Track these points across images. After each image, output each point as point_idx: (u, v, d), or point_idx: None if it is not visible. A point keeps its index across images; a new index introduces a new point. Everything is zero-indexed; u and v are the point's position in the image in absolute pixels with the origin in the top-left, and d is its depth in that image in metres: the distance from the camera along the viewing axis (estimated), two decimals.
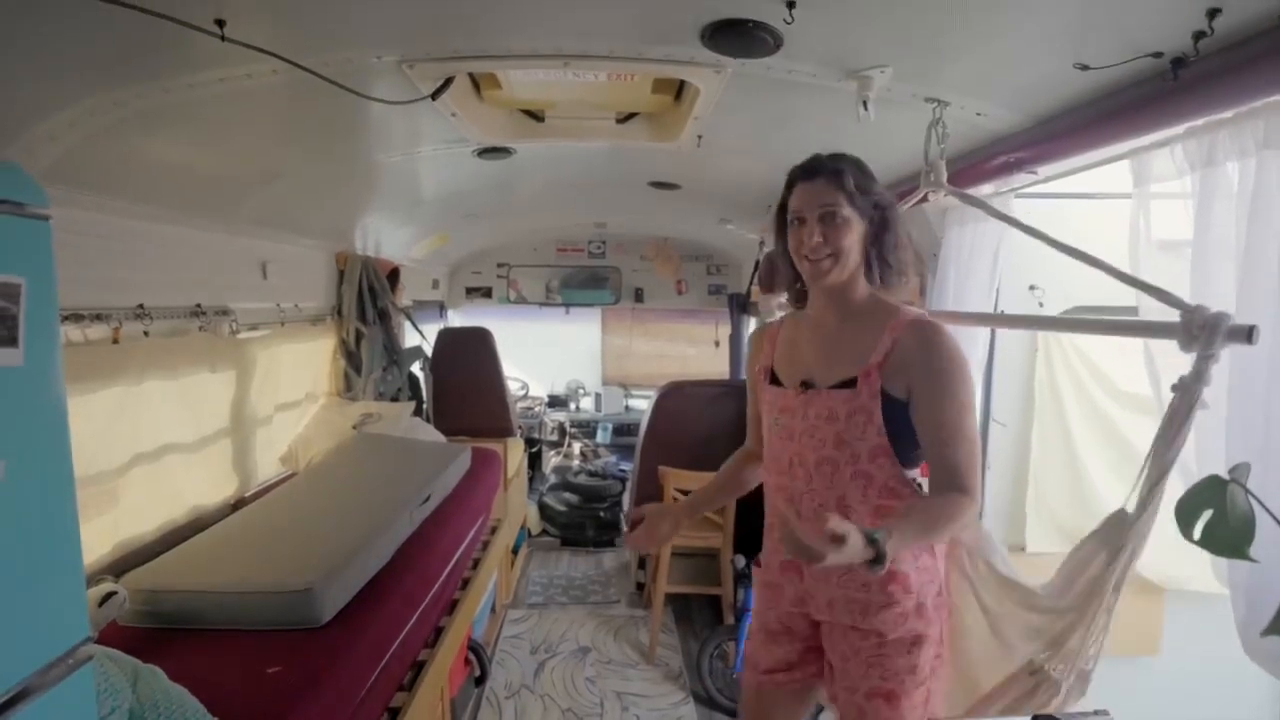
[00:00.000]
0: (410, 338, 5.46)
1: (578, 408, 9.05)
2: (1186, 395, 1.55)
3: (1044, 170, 2.39)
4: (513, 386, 7.00)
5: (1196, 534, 1.25)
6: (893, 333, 1.96)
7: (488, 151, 3.43)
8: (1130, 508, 1.66)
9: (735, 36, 1.97)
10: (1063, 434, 3.25)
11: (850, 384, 1.97)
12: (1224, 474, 1.26)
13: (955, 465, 1.89)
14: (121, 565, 2.54)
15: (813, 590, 2.08)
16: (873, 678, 2.00)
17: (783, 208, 2.06)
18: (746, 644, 2.36)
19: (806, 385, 2.05)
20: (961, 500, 1.87)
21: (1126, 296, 2.09)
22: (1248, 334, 1.47)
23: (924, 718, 2.01)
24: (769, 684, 2.24)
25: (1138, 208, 2.02)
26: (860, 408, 1.95)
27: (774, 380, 2.15)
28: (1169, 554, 3.06)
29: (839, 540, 1.53)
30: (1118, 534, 1.67)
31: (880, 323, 1.99)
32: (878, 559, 1.59)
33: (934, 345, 1.94)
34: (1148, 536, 1.64)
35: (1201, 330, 1.48)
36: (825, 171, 1.97)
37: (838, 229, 1.94)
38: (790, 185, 2.04)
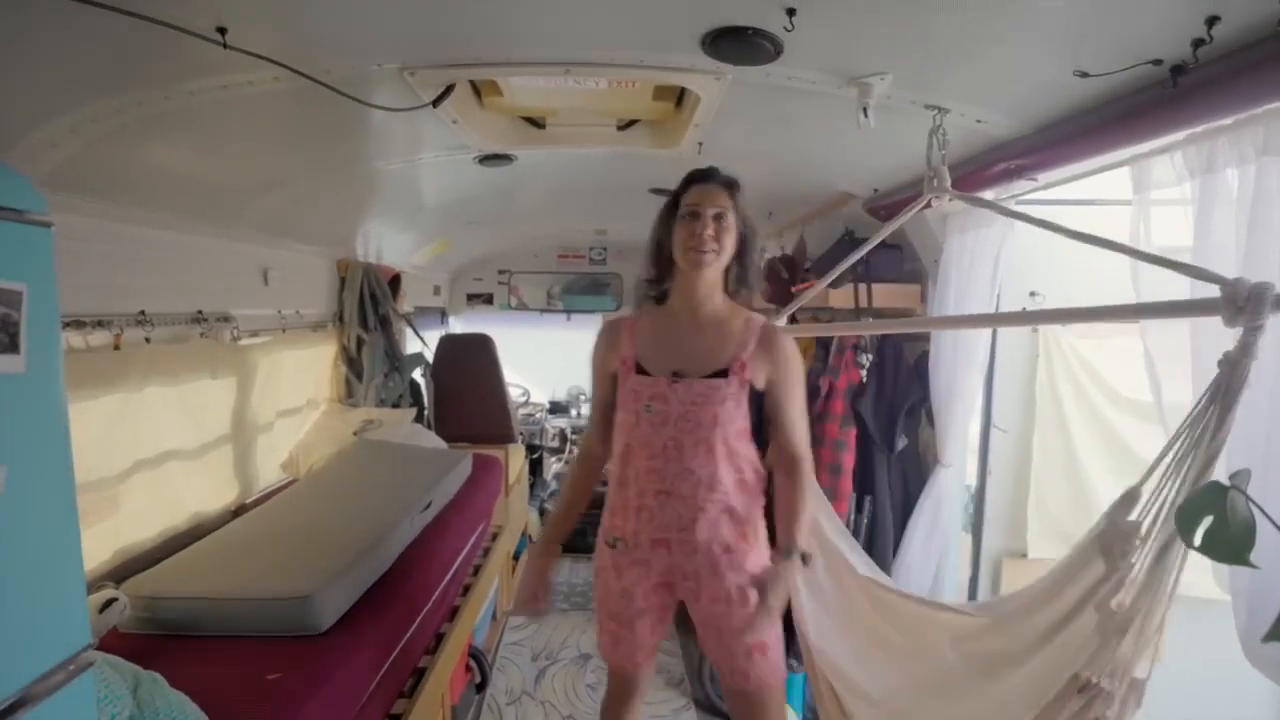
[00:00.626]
0: (411, 344, 5.46)
1: (579, 414, 9.03)
2: (1236, 371, 1.44)
3: (1044, 177, 2.40)
4: (514, 393, 7.00)
5: (1197, 540, 1.25)
6: (755, 333, 2.29)
7: (489, 158, 3.43)
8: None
9: (736, 44, 1.97)
10: (1064, 440, 3.25)
11: (722, 374, 2.24)
12: (1225, 480, 1.26)
13: (802, 441, 2.37)
14: (122, 571, 2.53)
15: (680, 561, 2.29)
16: (752, 630, 2.25)
17: (673, 204, 2.32)
18: (608, 631, 2.46)
19: (678, 375, 2.26)
20: (808, 467, 2.36)
21: (1130, 298, 2.09)
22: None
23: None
24: (646, 664, 2.52)
25: (1138, 214, 2.02)
26: (731, 395, 2.24)
27: (640, 370, 2.31)
28: None
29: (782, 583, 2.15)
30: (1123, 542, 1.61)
31: (742, 323, 2.32)
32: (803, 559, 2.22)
33: (788, 347, 2.32)
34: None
35: (1248, 301, 1.43)
36: (721, 180, 2.30)
37: (724, 230, 2.25)
38: (687, 184, 2.31)
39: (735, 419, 2.26)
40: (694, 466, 2.23)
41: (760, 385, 2.29)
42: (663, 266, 2.38)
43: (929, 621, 2.26)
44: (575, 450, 8.16)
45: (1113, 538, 1.57)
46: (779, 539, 2.26)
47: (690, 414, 2.23)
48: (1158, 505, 1.49)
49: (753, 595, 2.20)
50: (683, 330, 2.33)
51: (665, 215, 2.35)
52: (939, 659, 2.14)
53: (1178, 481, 1.45)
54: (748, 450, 2.33)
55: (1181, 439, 1.47)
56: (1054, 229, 2.06)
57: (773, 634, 2.28)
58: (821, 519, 2.53)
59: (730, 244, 2.27)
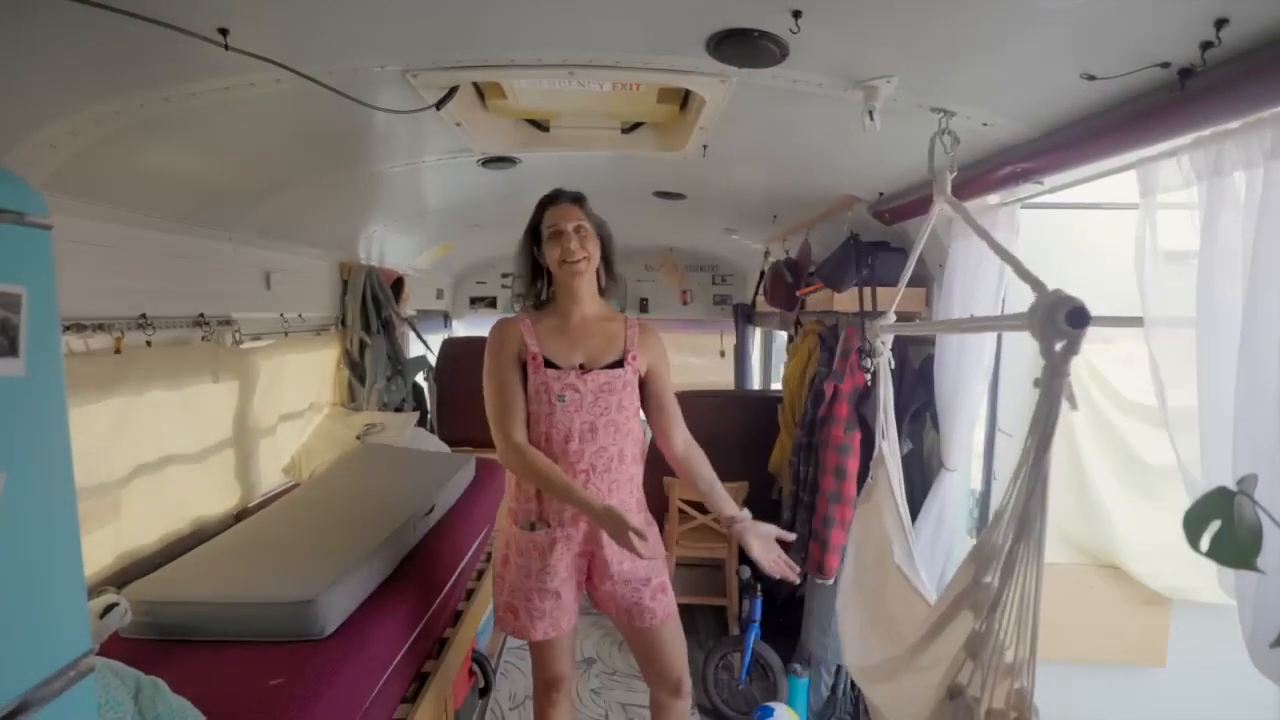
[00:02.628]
0: (414, 348, 5.46)
1: None
2: (1047, 395, 1.48)
3: (1050, 180, 2.38)
4: None
5: (1204, 545, 1.24)
6: (631, 328, 2.73)
7: (492, 161, 3.43)
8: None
9: (741, 46, 1.96)
10: (1068, 444, 3.23)
11: (618, 365, 2.64)
12: (1232, 485, 1.25)
13: (681, 419, 2.78)
14: (123, 576, 2.53)
15: (595, 530, 2.60)
16: (654, 576, 2.72)
17: (534, 229, 2.68)
18: (529, 610, 2.65)
19: (584, 367, 2.61)
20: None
21: (1134, 307, 2.09)
22: (1074, 318, 1.40)
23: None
24: (572, 631, 2.78)
25: (1144, 218, 2.01)
26: (627, 382, 2.64)
27: (549, 365, 2.60)
28: (1172, 563, 3.08)
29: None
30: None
31: (621, 321, 2.75)
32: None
33: (658, 337, 2.80)
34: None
35: (1044, 316, 1.42)
36: (570, 198, 2.66)
37: (586, 239, 2.61)
38: (542, 209, 2.67)
39: (632, 402, 2.67)
40: (607, 444, 2.59)
41: (643, 372, 2.71)
42: (538, 279, 2.73)
43: (917, 612, 2.26)
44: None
45: (980, 553, 1.58)
46: (725, 509, 2.68)
47: (600, 400, 2.58)
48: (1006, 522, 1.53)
49: (649, 542, 2.41)
50: (574, 329, 2.67)
51: (529, 239, 2.70)
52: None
53: (1018, 499, 1.53)
54: (639, 430, 2.72)
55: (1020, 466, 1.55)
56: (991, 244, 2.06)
57: (666, 576, 2.77)
58: (886, 513, 2.65)
59: (594, 249, 2.64)
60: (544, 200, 2.68)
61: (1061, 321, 1.42)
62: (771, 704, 3.81)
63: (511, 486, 2.74)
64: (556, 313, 2.70)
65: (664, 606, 2.73)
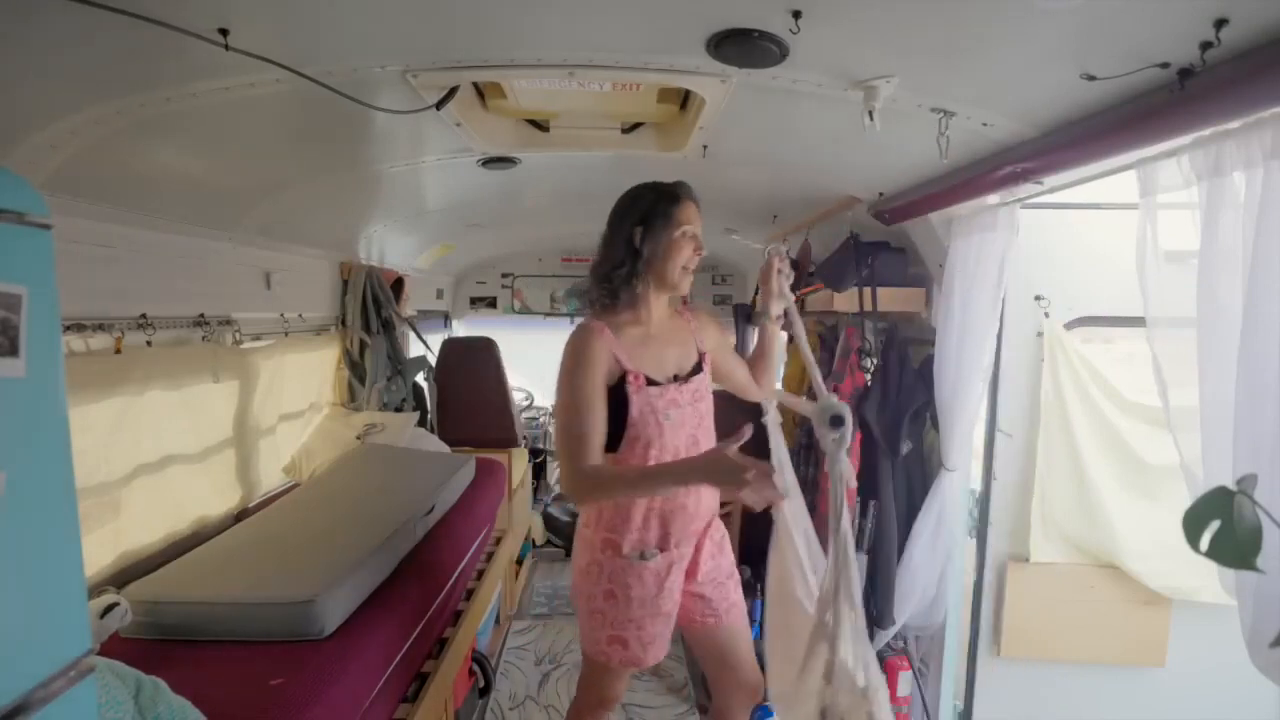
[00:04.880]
0: (414, 348, 5.46)
1: None
2: (833, 474, 1.88)
3: (1050, 180, 2.38)
4: (517, 397, 7.00)
5: (1204, 545, 1.24)
6: (690, 321, 2.59)
7: (492, 161, 3.43)
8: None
9: (741, 46, 1.96)
10: (1068, 444, 3.23)
11: (698, 369, 2.50)
12: (1231, 485, 1.25)
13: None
14: (124, 576, 2.53)
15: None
16: (732, 569, 2.70)
17: (645, 220, 2.38)
18: (642, 637, 2.51)
19: (678, 377, 2.44)
20: None
21: (1133, 307, 2.09)
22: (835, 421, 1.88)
23: None
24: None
25: (1144, 218, 2.01)
26: (706, 383, 2.50)
27: (650, 381, 2.37)
28: (1172, 563, 3.08)
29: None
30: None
31: (679, 315, 2.59)
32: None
33: (707, 314, 2.70)
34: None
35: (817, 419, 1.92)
36: (695, 197, 2.46)
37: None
38: (676, 199, 2.40)
39: (710, 399, 2.53)
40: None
41: (712, 361, 2.58)
42: (631, 274, 2.40)
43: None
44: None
45: (821, 597, 1.88)
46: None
47: (695, 410, 2.43)
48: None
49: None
50: (656, 337, 2.46)
51: (653, 226, 2.37)
52: None
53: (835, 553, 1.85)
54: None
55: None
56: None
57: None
58: (787, 550, 2.55)
59: None
60: (668, 192, 2.41)
61: (825, 422, 1.88)
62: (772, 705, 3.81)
63: (604, 516, 2.46)
64: (636, 320, 2.44)
65: (741, 596, 2.69)
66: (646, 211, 2.38)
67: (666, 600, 2.48)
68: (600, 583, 2.47)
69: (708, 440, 2.46)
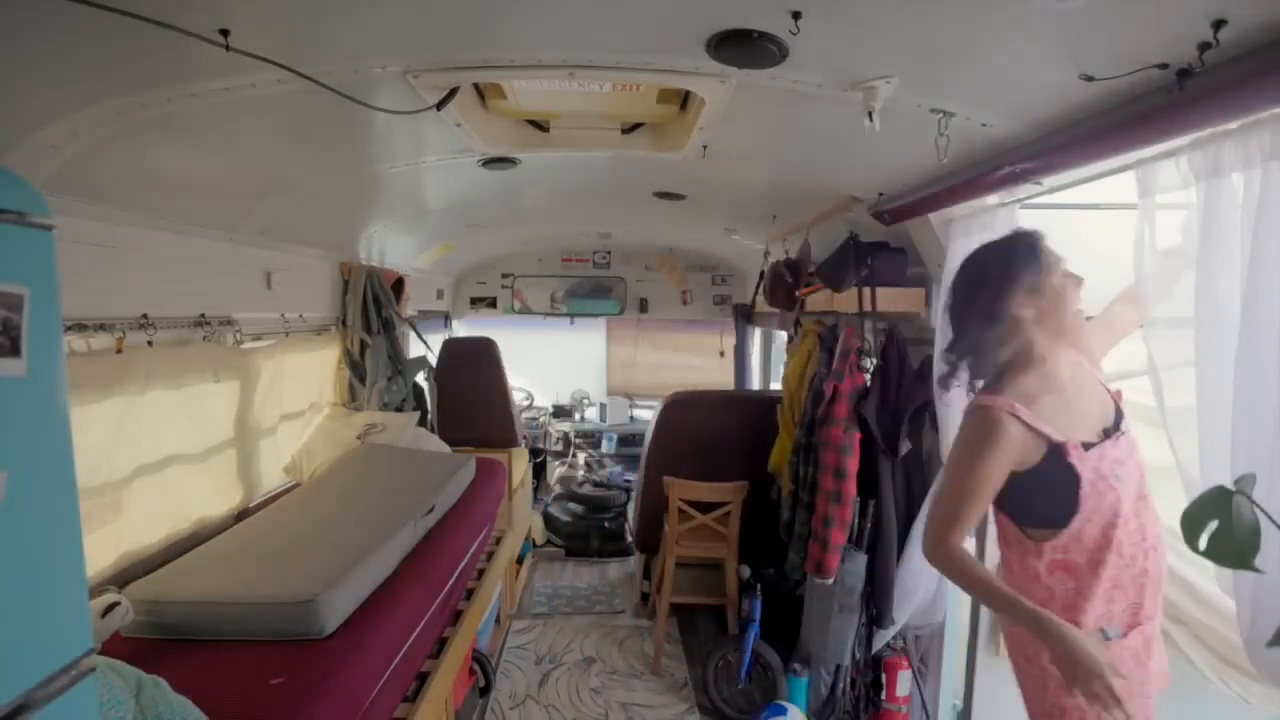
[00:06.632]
0: (415, 348, 5.47)
1: (582, 418, 9.04)
2: None
3: (1049, 181, 2.39)
4: (517, 397, 7.00)
5: (1202, 545, 1.25)
6: (1088, 358, 2.28)
7: (492, 161, 3.44)
8: None
9: (741, 47, 1.97)
10: None
11: (1121, 415, 2.17)
12: (1229, 485, 1.26)
13: None
14: (125, 576, 2.54)
15: None
16: None
17: (1004, 282, 2.14)
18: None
19: (1108, 432, 2.13)
20: None
21: None
22: None
23: None
24: None
25: (1143, 218, 2.01)
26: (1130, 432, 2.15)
27: (1085, 445, 2.10)
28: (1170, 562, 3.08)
29: None
30: None
31: (1079, 359, 2.25)
32: None
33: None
34: None
35: None
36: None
37: None
38: (1033, 252, 2.15)
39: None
40: (1147, 523, 2.12)
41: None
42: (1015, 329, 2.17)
43: None
44: (581, 455, 8.15)
45: None
46: None
47: (1133, 467, 2.13)
48: None
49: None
50: (1066, 386, 2.18)
51: (1032, 275, 2.14)
52: None
53: None
54: None
55: None
56: None
57: None
58: None
59: None
60: (1028, 241, 2.18)
61: None
62: (784, 704, 3.81)
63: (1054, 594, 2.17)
64: (1041, 377, 2.16)
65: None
66: (1003, 274, 2.17)
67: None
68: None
69: (1147, 502, 2.14)
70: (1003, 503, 2.20)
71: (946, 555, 2.18)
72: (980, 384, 2.26)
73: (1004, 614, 2.19)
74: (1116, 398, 2.21)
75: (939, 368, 2.42)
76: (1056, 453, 2.08)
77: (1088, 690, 1.89)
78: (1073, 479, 2.06)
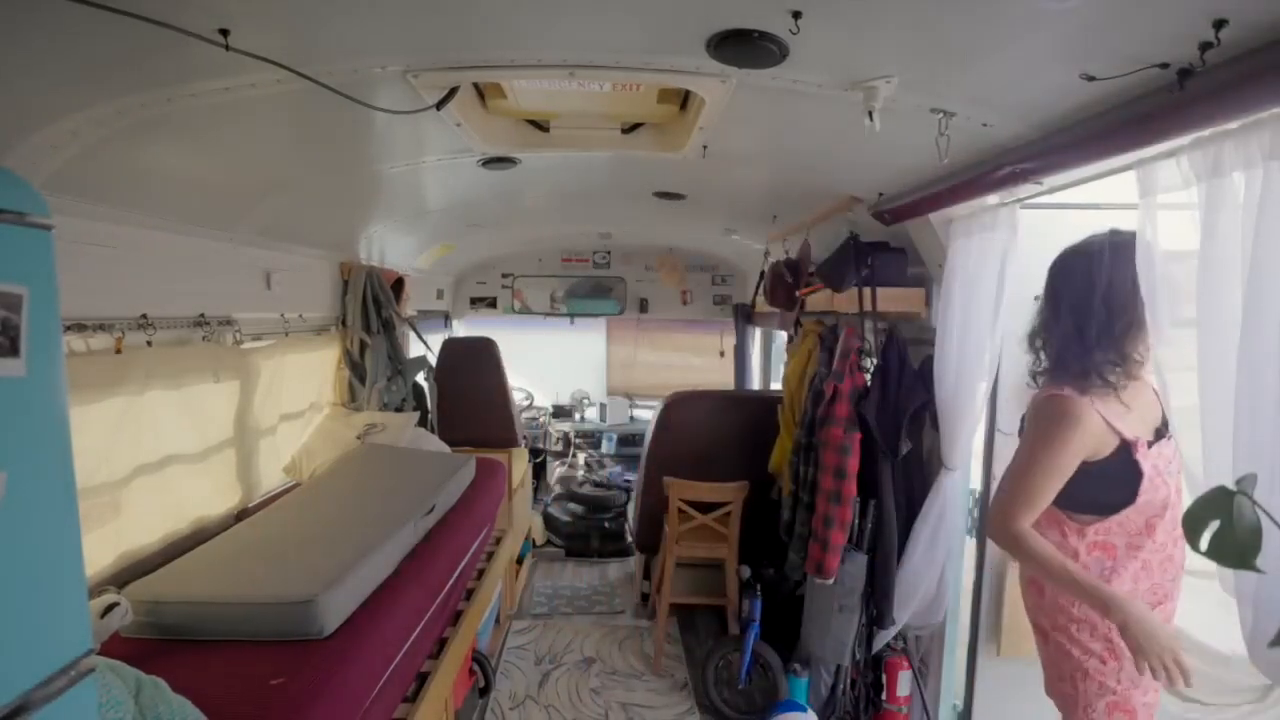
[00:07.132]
0: (415, 348, 5.47)
1: (582, 418, 9.05)
2: None
3: (1050, 181, 2.38)
4: (517, 397, 7.00)
5: (1204, 544, 1.24)
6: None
7: (492, 161, 3.43)
8: None
9: (741, 47, 1.96)
10: None
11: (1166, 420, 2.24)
12: (1231, 485, 1.25)
13: None
14: (124, 576, 2.53)
15: None
16: None
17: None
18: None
19: (1159, 432, 2.28)
20: None
21: None
22: None
23: None
24: None
25: (1144, 218, 2.01)
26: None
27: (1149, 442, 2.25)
28: None
29: None
30: None
31: None
32: None
33: None
34: None
35: None
36: None
37: None
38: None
39: None
40: (1180, 510, 2.13)
41: None
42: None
43: None
44: (581, 455, 8.15)
45: None
46: None
47: (1180, 465, 2.19)
48: None
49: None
50: (1130, 390, 2.27)
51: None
52: None
53: None
54: None
55: None
56: None
57: None
58: None
59: None
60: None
61: None
62: (799, 701, 3.82)
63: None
64: (1126, 380, 2.28)
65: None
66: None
67: None
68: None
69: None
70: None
71: (1016, 535, 2.28)
72: (1042, 377, 2.42)
73: (1074, 593, 2.26)
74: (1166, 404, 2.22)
75: (1036, 358, 2.47)
76: (1126, 449, 2.23)
77: (1159, 664, 2.03)
78: (1137, 474, 2.22)
